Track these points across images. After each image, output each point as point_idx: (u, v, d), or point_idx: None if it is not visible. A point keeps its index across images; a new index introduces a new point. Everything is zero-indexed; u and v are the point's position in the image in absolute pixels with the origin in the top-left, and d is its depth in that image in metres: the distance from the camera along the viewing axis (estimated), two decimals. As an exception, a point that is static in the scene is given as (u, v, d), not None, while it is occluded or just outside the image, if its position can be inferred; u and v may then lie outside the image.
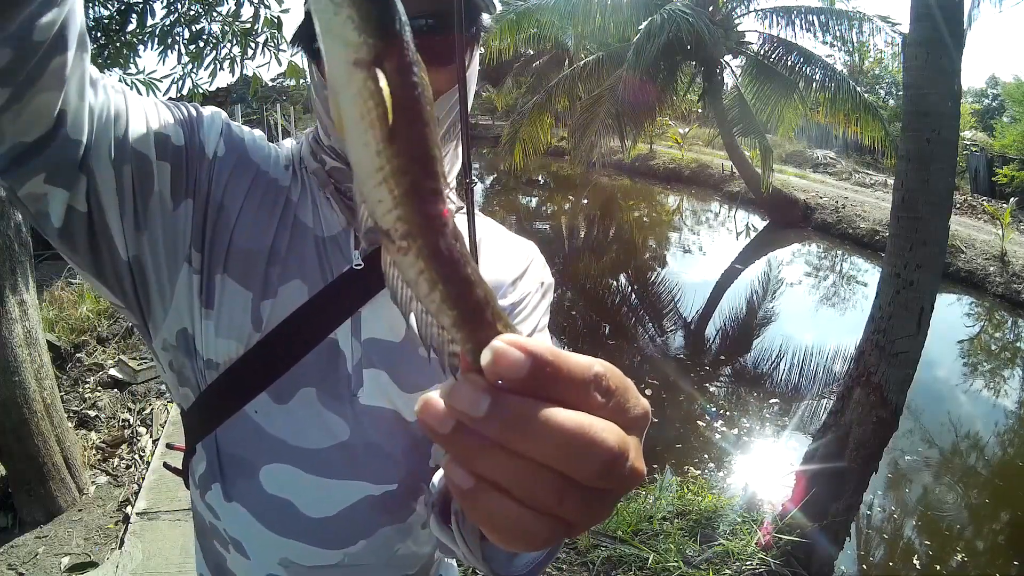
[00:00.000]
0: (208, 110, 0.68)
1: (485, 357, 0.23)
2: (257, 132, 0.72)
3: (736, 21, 11.16)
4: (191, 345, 0.66)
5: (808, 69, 10.07)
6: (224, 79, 5.92)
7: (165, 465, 0.92)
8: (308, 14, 0.64)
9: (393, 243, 0.24)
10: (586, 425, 0.23)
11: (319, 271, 0.67)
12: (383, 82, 0.22)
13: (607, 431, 0.23)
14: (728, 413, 4.90)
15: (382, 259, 0.25)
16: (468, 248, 0.25)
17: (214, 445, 0.68)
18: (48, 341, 3.08)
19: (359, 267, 0.67)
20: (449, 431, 0.23)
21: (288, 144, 0.74)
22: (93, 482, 2.98)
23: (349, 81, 0.23)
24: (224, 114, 0.69)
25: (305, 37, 0.66)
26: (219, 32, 3.05)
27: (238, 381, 0.65)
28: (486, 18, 0.67)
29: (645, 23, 9.47)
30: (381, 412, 0.67)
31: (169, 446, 1.05)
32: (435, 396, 0.24)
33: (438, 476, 0.62)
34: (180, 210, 0.63)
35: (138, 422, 3.54)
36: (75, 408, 3.56)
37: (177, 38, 2.93)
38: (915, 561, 3.36)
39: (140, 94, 0.65)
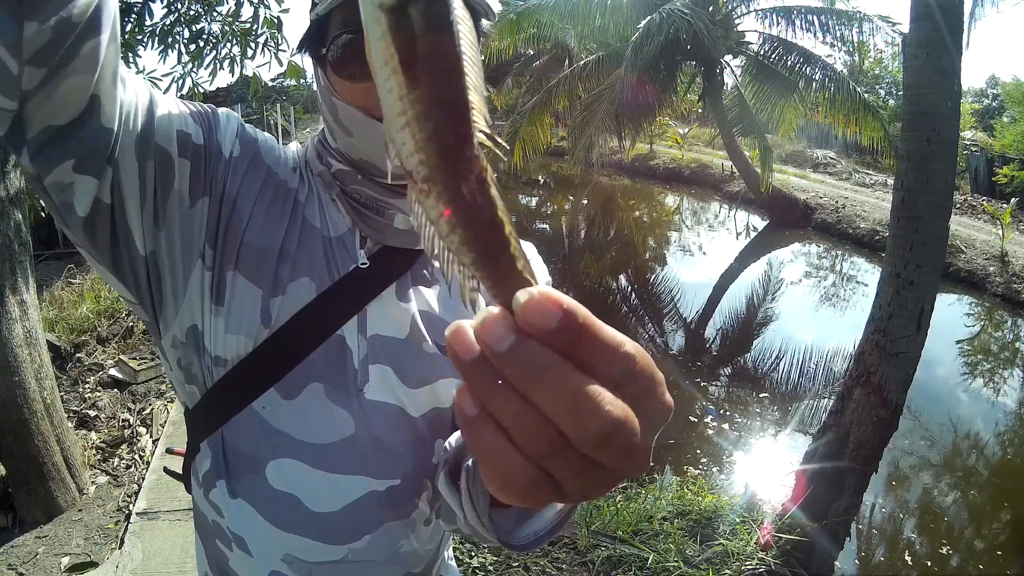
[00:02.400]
0: (223, 111, 0.70)
1: (520, 299, 0.23)
2: (267, 135, 0.74)
3: (736, 21, 11.16)
4: (200, 342, 0.67)
5: (808, 69, 10.06)
6: (224, 79, 5.92)
7: (165, 470, 0.92)
8: (315, 21, 0.66)
9: (416, 184, 0.24)
10: (595, 391, 0.23)
11: (327, 270, 0.68)
12: (404, 27, 0.23)
13: (613, 404, 0.23)
14: (728, 413, 4.90)
15: (408, 196, 0.25)
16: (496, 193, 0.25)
17: (220, 442, 0.69)
18: (48, 341, 3.08)
19: (364, 266, 0.69)
20: (471, 360, 0.24)
21: (293, 147, 0.76)
22: (93, 482, 2.98)
23: (375, 24, 0.23)
24: (238, 115, 0.71)
25: (312, 42, 0.67)
26: (219, 32, 3.05)
27: (247, 377, 0.66)
28: (485, 23, 0.68)
29: (644, 22, 9.47)
30: (386, 408, 0.69)
31: (169, 451, 1.05)
32: (467, 324, 0.24)
33: (455, 436, 0.62)
34: (197, 207, 0.65)
35: (138, 422, 3.54)
36: (75, 408, 3.56)
37: (177, 38, 2.93)
38: (915, 561, 3.36)
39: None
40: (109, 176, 0.59)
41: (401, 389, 0.69)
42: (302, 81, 3.61)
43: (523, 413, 0.23)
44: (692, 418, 4.68)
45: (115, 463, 3.17)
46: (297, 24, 0.66)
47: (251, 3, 3.04)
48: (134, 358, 4.09)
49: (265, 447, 0.67)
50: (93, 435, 3.36)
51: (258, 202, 0.67)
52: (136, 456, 3.23)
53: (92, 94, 0.54)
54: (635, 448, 0.24)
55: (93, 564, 2.46)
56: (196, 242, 0.65)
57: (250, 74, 3.26)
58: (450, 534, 0.83)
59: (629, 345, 0.24)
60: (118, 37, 0.56)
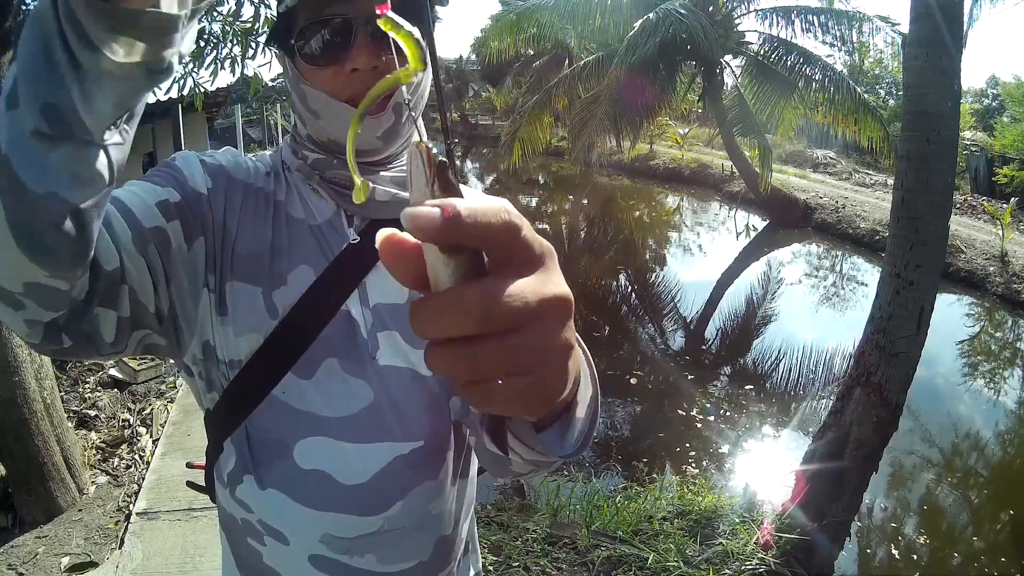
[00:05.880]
0: (178, 156, 0.73)
1: None
2: (230, 152, 0.77)
3: (736, 21, 11.16)
4: (214, 354, 0.70)
5: (808, 69, 10.07)
6: (224, 79, 5.93)
7: (189, 483, 0.94)
8: (283, 14, 0.69)
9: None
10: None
11: (321, 254, 0.72)
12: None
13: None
14: (728, 413, 4.90)
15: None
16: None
17: (244, 436, 0.71)
18: (48, 341, 3.07)
19: (356, 241, 0.72)
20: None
21: (267, 153, 0.80)
22: (93, 482, 2.98)
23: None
24: (192, 152, 0.74)
25: (282, 34, 0.71)
26: (219, 32, 3.05)
27: (263, 367, 0.69)
28: (440, 10, 0.73)
29: (639, 21, 9.48)
30: (399, 371, 0.72)
31: (189, 465, 1.07)
32: None
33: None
34: (195, 249, 0.68)
35: (138, 422, 3.54)
36: (75, 408, 3.56)
37: (177, 38, 2.93)
38: (915, 561, 3.36)
39: None
40: (125, 294, 0.60)
41: (411, 351, 0.72)
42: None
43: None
44: (693, 418, 4.68)
45: (115, 463, 3.17)
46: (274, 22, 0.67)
47: (252, 3, 3.04)
48: (134, 358, 4.09)
49: (290, 430, 0.69)
50: (93, 435, 3.36)
51: (242, 215, 0.71)
52: (136, 456, 3.23)
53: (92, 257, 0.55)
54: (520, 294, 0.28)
55: (93, 564, 2.46)
56: (200, 276, 0.69)
57: (250, 74, 3.27)
58: (473, 497, 0.84)
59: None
60: None
